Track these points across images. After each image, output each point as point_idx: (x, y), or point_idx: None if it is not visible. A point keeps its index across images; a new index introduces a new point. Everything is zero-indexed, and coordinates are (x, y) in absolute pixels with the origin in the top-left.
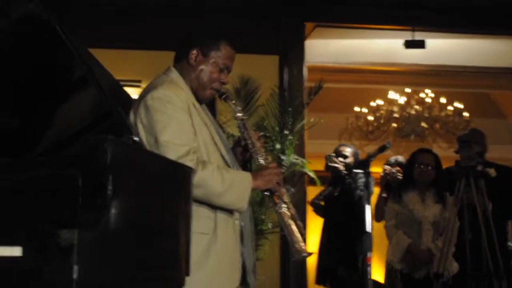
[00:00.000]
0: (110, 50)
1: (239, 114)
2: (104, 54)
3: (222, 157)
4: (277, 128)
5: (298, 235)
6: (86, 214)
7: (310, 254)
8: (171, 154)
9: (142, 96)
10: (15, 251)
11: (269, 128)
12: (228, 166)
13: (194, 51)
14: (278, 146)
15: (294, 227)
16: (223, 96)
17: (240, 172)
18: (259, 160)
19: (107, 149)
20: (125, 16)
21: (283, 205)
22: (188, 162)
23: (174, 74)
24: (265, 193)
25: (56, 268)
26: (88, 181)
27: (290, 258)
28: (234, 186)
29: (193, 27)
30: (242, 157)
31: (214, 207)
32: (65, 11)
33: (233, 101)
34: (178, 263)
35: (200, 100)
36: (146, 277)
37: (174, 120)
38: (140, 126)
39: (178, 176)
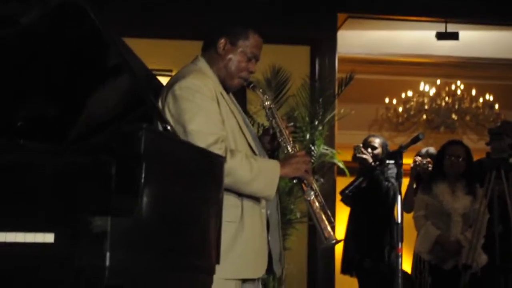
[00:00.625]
0: (141, 39)
1: (267, 103)
2: (136, 43)
3: (249, 146)
4: (307, 119)
5: (326, 222)
6: (119, 202)
7: (339, 241)
8: (200, 143)
9: (170, 85)
10: (48, 237)
11: (299, 119)
12: (255, 155)
13: (222, 40)
14: (308, 136)
15: (322, 215)
16: (251, 85)
17: (268, 160)
18: (288, 148)
19: (141, 137)
20: (156, 5)
21: (312, 193)
22: (217, 150)
23: (202, 63)
24: (294, 181)
25: (88, 255)
26: (121, 168)
27: (318, 246)
28: (263, 174)
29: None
30: (270, 145)
31: (241, 195)
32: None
33: (261, 90)
34: (208, 252)
35: (227, 89)
36: (177, 265)
37: (203, 109)
38: (168, 115)
39: (210, 165)
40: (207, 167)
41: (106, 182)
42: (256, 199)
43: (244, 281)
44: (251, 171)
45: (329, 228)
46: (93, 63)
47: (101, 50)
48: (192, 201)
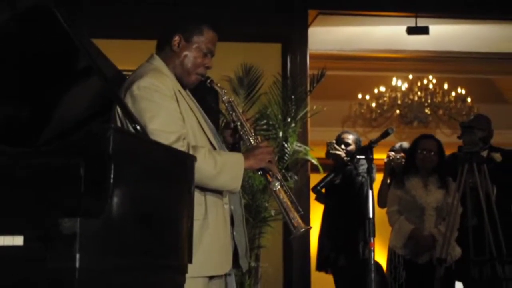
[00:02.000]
0: (111, 40)
1: (226, 97)
2: (106, 44)
3: (210, 142)
4: (280, 116)
5: (294, 211)
6: (89, 203)
7: (308, 228)
8: (162, 141)
9: (128, 86)
10: (17, 240)
11: (272, 116)
12: (216, 150)
13: (177, 37)
14: (281, 133)
15: (289, 204)
16: (208, 81)
17: (231, 154)
18: (250, 140)
19: (110, 137)
20: (126, 5)
21: (277, 183)
22: (180, 148)
23: (158, 62)
24: (259, 172)
25: (58, 256)
26: (90, 169)
27: (289, 236)
28: (227, 167)
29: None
30: (232, 139)
31: (204, 192)
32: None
33: (218, 84)
34: (181, 251)
35: (185, 86)
36: (149, 265)
37: (162, 108)
38: None
39: (180, 164)
40: (177, 166)
41: (75, 183)
42: (219, 194)
43: (210, 277)
44: (216, 166)
45: (297, 217)
46: (63, 65)
47: (70, 53)
48: (164, 200)
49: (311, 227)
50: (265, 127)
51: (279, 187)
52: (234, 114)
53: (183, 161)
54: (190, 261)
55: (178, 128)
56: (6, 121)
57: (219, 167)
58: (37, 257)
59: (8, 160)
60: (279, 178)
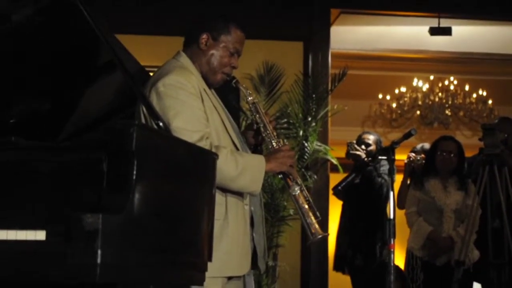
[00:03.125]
0: (135, 36)
1: (250, 98)
2: (130, 40)
3: (232, 142)
4: (300, 115)
5: (312, 217)
6: (111, 199)
7: (325, 235)
8: (185, 140)
9: (153, 82)
10: (40, 235)
11: (292, 115)
12: (238, 150)
13: (204, 36)
14: (301, 132)
15: (308, 210)
16: (234, 81)
17: (253, 156)
18: (272, 143)
19: (133, 134)
20: (150, 1)
21: (297, 188)
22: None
23: (184, 59)
24: (279, 175)
25: (80, 252)
26: (113, 165)
27: (307, 242)
28: (248, 169)
29: (205, 13)
30: (254, 140)
31: (225, 192)
32: None
33: (244, 85)
34: (200, 249)
35: (210, 85)
36: (169, 262)
37: (187, 106)
38: None
39: (202, 162)
40: (199, 164)
41: (98, 179)
42: (239, 195)
43: (229, 278)
44: (237, 167)
45: (315, 222)
46: (86, 60)
47: (93, 47)
48: (185, 197)
49: (328, 234)
50: (285, 125)
51: (298, 191)
52: (257, 115)
53: (205, 159)
54: (210, 259)
55: (202, 127)
56: (28, 116)
57: (240, 169)
58: (59, 252)
59: (30, 155)
60: (299, 182)
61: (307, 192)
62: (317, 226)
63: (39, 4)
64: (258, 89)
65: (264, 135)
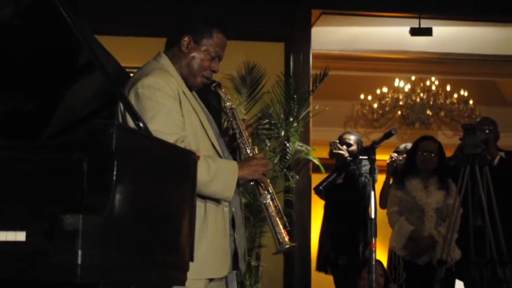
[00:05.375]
0: (115, 37)
1: (228, 103)
2: (109, 40)
3: (212, 144)
4: (282, 115)
5: (281, 226)
6: (91, 199)
7: (292, 246)
8: None
9: (133, 83)
10: (20, 235)
11: (274, 115)
12: (218, 153)
13: (186, 38)
14: (283, 133)
15: (277, 219)
16: (213, 84)
17: (226, 162)
18: (246, 150)
19: (113, 134)
20: (130, 2)
21: (268, 196)
22: None
23: (165, 61)
24: (251, 183)
25: (61, 251)
26: (93, 165)
27: (274, 252)
28: (220, 175)
29: (187, 13)
30: (229, 146)
31: (204, 195)
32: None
33: (223, 90)
34: (182, 249)
35: (190, 87)
36: (151, 262)
37: (164, 108)
38: None
39: (183, 162)
40: (180, 164)
41: (78, 179)
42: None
43: (211, 279)
44: (209, 173)
45: (283, 232)
46: (66, 60)
47: (73, 48)
48: (165, 198)
49: (295, 245)
50: (267, 126)
51: (269, 200)
52: (234, 121)
53: (186, 160)
54: (192, 259)
55: (178, 130)
56: (10, 116)
57: (212, 174)
58: (40, 253)
59: (10, 154)
60: (271, 191)
61: (278, 202)
62: (285, 236)
63: (19, 5)
64: (240, 89)
65: (239, 141)
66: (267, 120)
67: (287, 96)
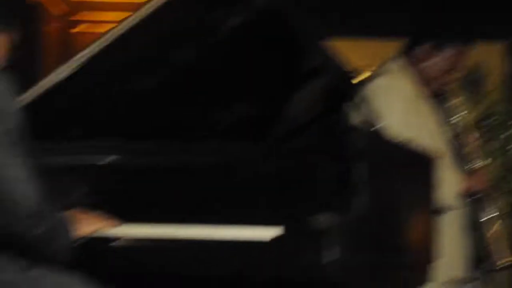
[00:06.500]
0: (340, 39)
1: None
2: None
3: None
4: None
5: None
6: (340, 199)
7: None
8: None
9: (369, 82)
10: (271, 233)
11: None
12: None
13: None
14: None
15: None
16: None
17: None
18: None
19: (360, 136)
20: (352, 4)
21: None
22: None
23: (398, 65)
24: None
25: (311, 250)
26: (342, 166)
27: None
28: None
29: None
30: None
31: None
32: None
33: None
34: (420, 251)
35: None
36: (394, 263)
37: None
38: None
39: (424, 163)
40: (421, 165)
41: (327, 179)
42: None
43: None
44: None
45: None
46: (293, 63)
47: (302, 51)
48: (406, 199)
49: None
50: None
51: None
52: None
53: (426, 160)
54: (430, 262)
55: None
56: (235, 121)
57: None
58: (294, 250)
59: (256, 156)
60: None
61: None
62: None
63: (251, 13)
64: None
65: None
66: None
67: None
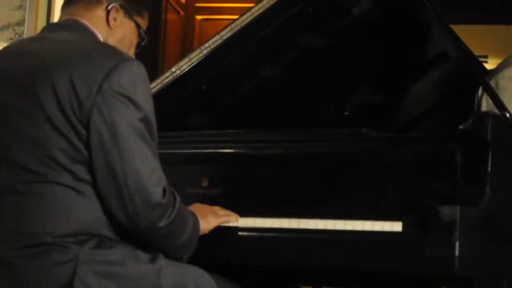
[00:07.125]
0: (457, 25)
1: None
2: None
3: None
4: None
5: None
6: (466, 190)
7: None
8: None
9: (495, 72)
10: (396, 226)
11: None
12: None
13: None
14: None
15: None
16: None
17: None
18: None
19: (488, 124)
20: None
21: None
22: None
23: None
24: None
25: (437, 244)
26: (468, 156)
27: None
28: None
29: None
30: None
31: None
32: None
33: None
34: None
35: None
36: None
37: None
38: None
39: None
40: None
41: (452, 170)
42: None
43: None
44: None
45: None
46: (419, 49)
47: (429, 37)
48: None
49: None
50: None
51: None
52: None
53: None
54: None
55: None
56: (362, 108)
57: None
58: (416, 244)
59: (382, 146)
60: None
61: None
62: None
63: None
64: None
65: None
66: None
67: None
